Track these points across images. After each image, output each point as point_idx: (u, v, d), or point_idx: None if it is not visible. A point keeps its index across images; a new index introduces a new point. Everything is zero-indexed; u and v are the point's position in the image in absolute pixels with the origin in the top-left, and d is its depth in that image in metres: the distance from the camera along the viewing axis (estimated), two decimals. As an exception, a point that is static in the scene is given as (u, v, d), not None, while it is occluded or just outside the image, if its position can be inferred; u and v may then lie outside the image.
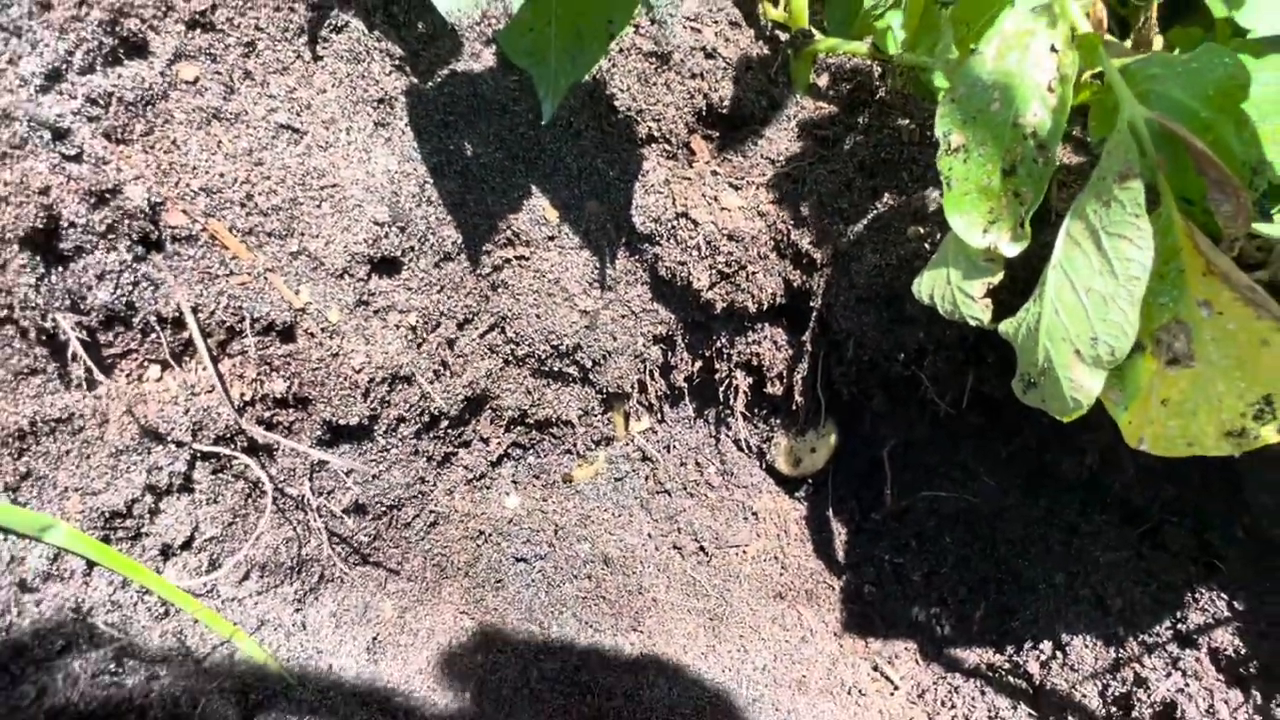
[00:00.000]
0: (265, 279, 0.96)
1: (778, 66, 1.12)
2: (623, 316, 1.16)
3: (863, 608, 1.32)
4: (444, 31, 1.01)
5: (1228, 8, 0.94)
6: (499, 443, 1.24)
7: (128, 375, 0.94)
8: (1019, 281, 0.88)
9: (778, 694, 1.18)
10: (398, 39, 1.00)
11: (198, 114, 0.91)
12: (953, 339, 1.08)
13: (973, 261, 0.81)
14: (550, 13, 0.85)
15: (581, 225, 1.10)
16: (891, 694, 1.21)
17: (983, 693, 1.16)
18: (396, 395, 1.08)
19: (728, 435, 1.37)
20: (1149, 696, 1.01)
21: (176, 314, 0.92)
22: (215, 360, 0.96)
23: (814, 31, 1.09)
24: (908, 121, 1.09)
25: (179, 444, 0.94)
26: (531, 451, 1.28)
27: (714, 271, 1.12)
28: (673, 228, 1.09)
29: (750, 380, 1.29)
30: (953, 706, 1.16)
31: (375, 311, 1.03)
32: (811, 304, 1.16)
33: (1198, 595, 1.05)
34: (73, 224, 0.85)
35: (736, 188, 1.12)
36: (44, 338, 0.87)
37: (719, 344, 1.24)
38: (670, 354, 1.25)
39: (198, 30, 0.91)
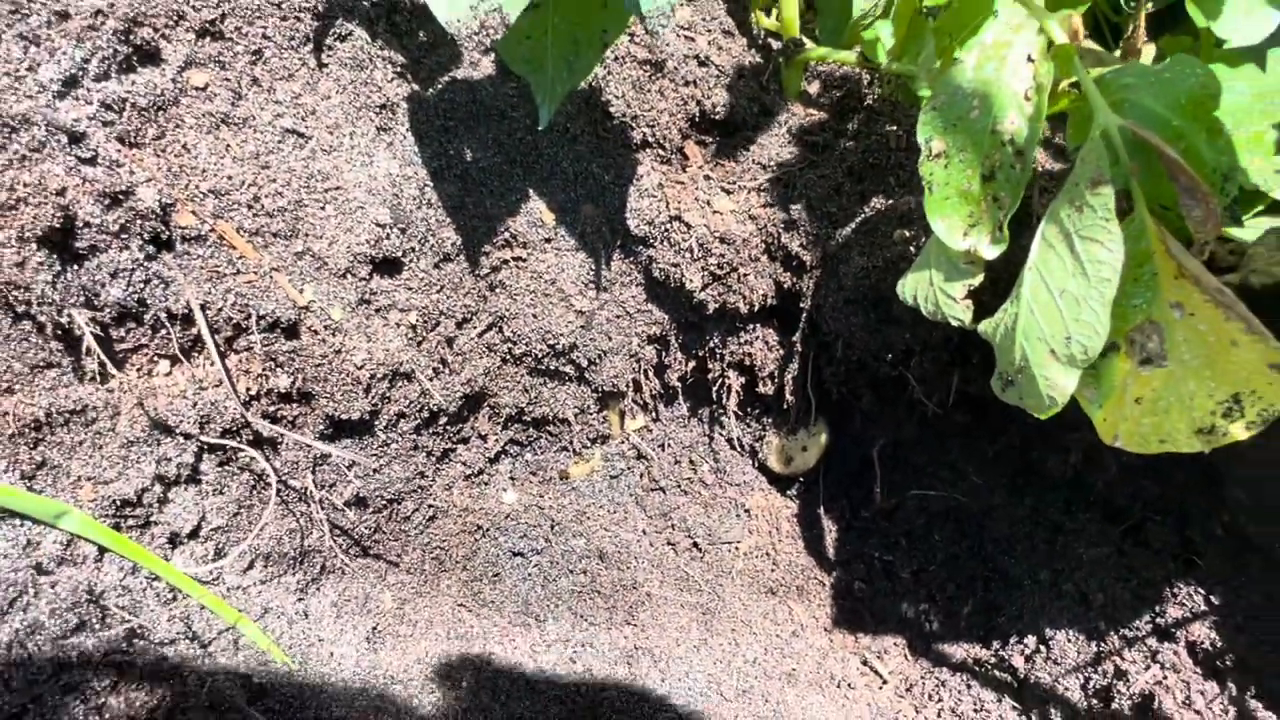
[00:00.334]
0: (271, 278, 0.99)
1: (769, 74, 1.15)
2: (618, 317, 1.19)
3: (852, 603, 1.34)
4: (444, 40, 1.04)
5: (1206, 18, 0.97)
6: (497, 439, 1.27)
7: (139, 369, 0.97)
8: (999, 283, 0.90)
9: (768, 686, 1.20)
10: (399, 47, 1.03)
11: (207, 119, 0.95)
12: (938, 340, 1.11)
13: (954, 264, 0.83)
14: (547, 22, 0.87)
15: (577, 228, 1.13)
16: (880, 688, 1.23)
17: (969, 686, 1.18)
18: (397, 391, 1.11)
19: (721, 434, 1.40)
20: (1128, 689, 1.03)
21: (186, 311, 0.95)
22: (223, 356, 0.99)
23: (805, 40, 1.12)
24: (895, 128, 1.12)
25: (187, 436, 0.97)
26: (529, 448, 1.31)
27: (706, 273, 1.14)
28: (666, 230, 1.12)
29: (742, 380, 1.31)
30: (939, 700, 1.18)
31: (377, 310, 1.07)
32: (801, 305, 1.18)
33: (1176, 590, 1.07)
34: (88, 224, 0.88)
35: (729, 192, 1.14)
36: (59, 333, 0.90)
37: (712, 344, 1.27)
38: (664, 354, 1.27)
39: (207, 39, 0.94)
